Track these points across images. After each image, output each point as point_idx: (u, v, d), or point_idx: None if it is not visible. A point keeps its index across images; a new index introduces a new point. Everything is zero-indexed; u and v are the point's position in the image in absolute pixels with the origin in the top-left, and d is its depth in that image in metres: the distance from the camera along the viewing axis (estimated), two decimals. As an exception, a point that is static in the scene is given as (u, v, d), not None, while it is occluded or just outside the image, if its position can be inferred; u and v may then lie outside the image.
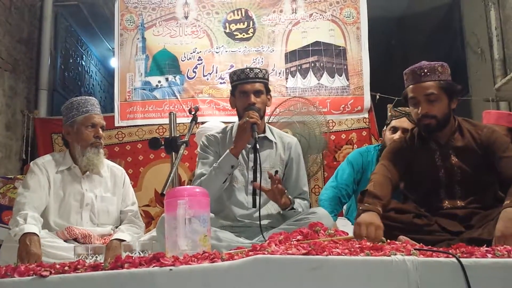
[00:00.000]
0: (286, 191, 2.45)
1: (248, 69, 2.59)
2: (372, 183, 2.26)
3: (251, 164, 2.54)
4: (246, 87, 2.54)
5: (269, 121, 4.29)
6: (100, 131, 2.74)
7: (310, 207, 2.67)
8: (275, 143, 2.64)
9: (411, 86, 2.32)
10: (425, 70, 2.28)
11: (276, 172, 2.49)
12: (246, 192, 2.53)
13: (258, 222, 2.37)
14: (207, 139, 2.66)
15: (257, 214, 2.41)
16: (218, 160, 2.46)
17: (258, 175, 2.43)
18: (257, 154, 2.40)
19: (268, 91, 2.63)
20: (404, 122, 3.08)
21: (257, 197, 2.44)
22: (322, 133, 4.30)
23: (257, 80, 2.56)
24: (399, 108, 3.33)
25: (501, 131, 3.14)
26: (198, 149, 2.67)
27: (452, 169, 2.30)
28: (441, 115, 2.29)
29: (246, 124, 2.40)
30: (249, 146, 2.54)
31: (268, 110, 4.40)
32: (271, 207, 2.54)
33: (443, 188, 2.31)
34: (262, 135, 2.60)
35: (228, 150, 2.45)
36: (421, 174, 2.35)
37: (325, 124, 4.32)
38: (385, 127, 3.20)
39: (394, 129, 3.11)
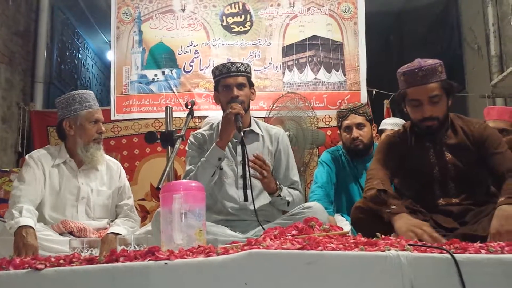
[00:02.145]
0: (272, 176, 2.47)
1: (229, 63, 2.61)
2: (379, 181, 2.24)
3: (239, 158, 2.56)
4: (229, 81, 2.56)
5: (269, 115, 4.29)
6: (102, 127, 2.76)
7: (306, 200, 2.67)
8: (262, 135, 2.66)
9: (413, 88, 2.26)
10: (427, 71, 2.24)
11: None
12: (237, 186, 2.54)
13: (252, 216, 2.39)
14: (194, 137, 2.67)
15: (249, 207, 2.44)
16: (206, 155, 2.47)
17: (246, 168, 2.47)
18: (244, 147, 2.43)
19: (251, 84, 2.64)
20: (353, 118, 3.23)
21: (249, 191, 2.45)
22: (319, 127, 4.31)
23: (239, 73, 2.58)
24: (341, 108, 3.45)
25: (507, 127, 3.18)
26: (186, 147, 2.68)
27: (446, 166, 2.30)
28: (442, 115, 2.29)
29: (229, 115, 2.41)
30: (236, 140, 2.56)
31: (265, 105, 4.45)
32: (264, 200, 2.55)
33: (437, 184, 2.31)
34: (248, 128, 2.61)
35: (214, 143, 2.46)
36: (416, 171, 2.35)
37: (314, 119, 4.32)
38: (338, 131, 3.36)
39: (348, 128, 3.22)
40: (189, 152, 2.64)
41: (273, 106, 4.34)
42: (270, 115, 4.30)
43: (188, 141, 2.69)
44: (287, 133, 3.70)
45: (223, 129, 2.46)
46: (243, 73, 2.59)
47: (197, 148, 2.63)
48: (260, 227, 2.34)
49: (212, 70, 2.68)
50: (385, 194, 2.16)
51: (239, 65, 2.60)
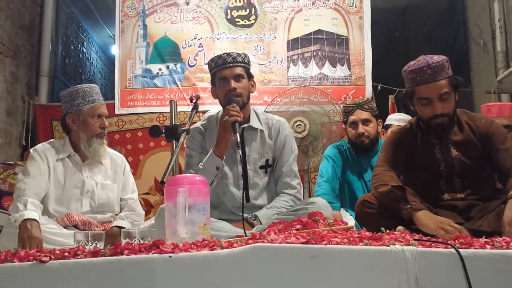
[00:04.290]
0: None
1: (225, 54, 2.47)
2: (390, 177, 2.24)
3: (239, 158, 2.42)
4: (225, 73, 2.43)
5: (278, 110, 4.26)
6: (106, 122, 2.75)
7: (310, 194, 2.62)
8: (261, 130, 2.54)
9: (422, 86, 2.23)
10: (435, 69, 2.21)
11: (267, 161, 2.49)
12: (238, 187, 2.46)
13: (253, 214, 2.35)
14: (192, 133, 2.54)
15: (250, 205, 2.41)
16: (203, 160, 2.36)
17: (247, 166, 2.44)
18: (244, 148, 2.37)
19: (250, 76, 2.51)
20: (360, 114, 3.23)
21: (250, 191, 2.43)
22: (332, 122, 4.31)
23: (236, 64, 2.44)
24: (346, 103, 3.51)
25: (510, 123, 3.17)
26: (185, 145, 2.57)
27: (452, 162, 2.29)
28: (452, 111, 2.29)
29: (226, 124, 2.30)
30: (234, 138, 2.39)
31: (269, 99, 4.43)
32: (264, 200, 2.51)
33: (443, 180, 2.31)
34: (247, 125, 2.50)
35: (211, 150, 2.36)
36: (421, 166, 2.35)
37: (338, 113, 4.31)
38: (344, 126, 3.36)
39: (354, 123, 3.22)
40: (187, 151, 2.55)
41: (275, 99, 4.32)
42: (281, 110, 4.28)
43: (187, 138, 2.57)
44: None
45: (220, 137, 2.36)
46: (240, 64, 2.45)
47: (196, 145, 2.54)
48: (259, 224, 2.31)
49: (208, 63, 2.56)
50: (401, 190, 2.15)
51: (235, 55, 2.46)
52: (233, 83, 2.41)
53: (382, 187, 2.22)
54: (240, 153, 2.24)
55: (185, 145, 2.60)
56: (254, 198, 2.45)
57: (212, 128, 2.54)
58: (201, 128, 2.58)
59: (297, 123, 4.14)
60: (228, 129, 2.31)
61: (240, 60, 2.46)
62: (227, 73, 2.44)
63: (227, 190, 2.47)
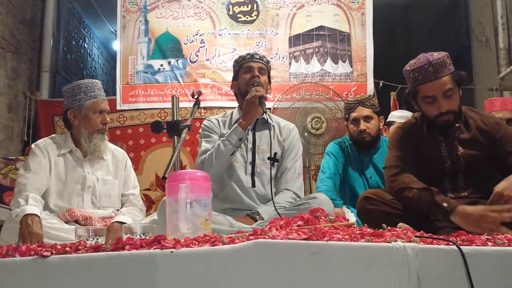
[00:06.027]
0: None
1: (253, 52, 2.72)
2: (409, 178, 2.21)
3: (250, 145, 2.57)
4: (252, 64, 2.62)
5: (291, 106, 4.26)
6: (107, 118, 2.75)
7: (311, 190, 2.67)
8: (273, 125, 2.66)
9: (426, 84, 2.21)
10: (437, 66, 2.19)
11: (275, 154, 2.55)
12: (246, 172, 2.55)
13: (256, 210, 2.40)
14: (208, 122, 2.69)
15: (255, 194, 2.48)
16: (226, 134, 2.48)
17: (257, 156, 2.52)
18: (270, 131, 2.50)
19: (269, 78, 2.68)
20: (361, 111, 3.23)
21: (256, 178, 2.48)
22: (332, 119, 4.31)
23: (262, 61, 2.65)
24: (348, 100, 3.51)
25: (511, 116, 3.17)
26: (200, 130, 2.69)
27: (458, 160, 2.27)
28: (457, 108, 2.27)
29: (253, 98, 2.43)
30: (248, 127, 2.54)
31: (271, 95, 4.41)
32: (269, 190, 2.53)
33: (447, 178, 2.29)
34: (261, 117, 2.61)
35: (236, 124, 2.47)
36: (426, 163, 2.32)
37: (341, 110, 4.32)
38: (345, 122, 3.36)
39: (356, 120, 3.22)
40: (203, 134, 2.65)
41: (277, 97, 4.32)
42: (295, 106, 4.28)
43: (202, 125, 2.70)
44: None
45: (247, 110, 2.47)
46: (265, 63, 2.66)
47: (212, 131, 2.64)
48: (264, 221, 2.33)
49: (235, 60, 2.73)
50: (427, 192, 2.12)
51: (262, 55, 2.69)
52: (257, 73, 2.59)
53: (406, 191, 2.17)
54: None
55: (200, 131, 2.69)
56: (259, 186, 2.51)
57: (227, 121, 2.68)
58: (217, 119, 2.71)
59: (315, 120, 4.16)
60: (254, 104, 2.45)
61: (265, 61, 2.70)
62: (254, 65, 2.62)
63: (234, 173, 2.53)
